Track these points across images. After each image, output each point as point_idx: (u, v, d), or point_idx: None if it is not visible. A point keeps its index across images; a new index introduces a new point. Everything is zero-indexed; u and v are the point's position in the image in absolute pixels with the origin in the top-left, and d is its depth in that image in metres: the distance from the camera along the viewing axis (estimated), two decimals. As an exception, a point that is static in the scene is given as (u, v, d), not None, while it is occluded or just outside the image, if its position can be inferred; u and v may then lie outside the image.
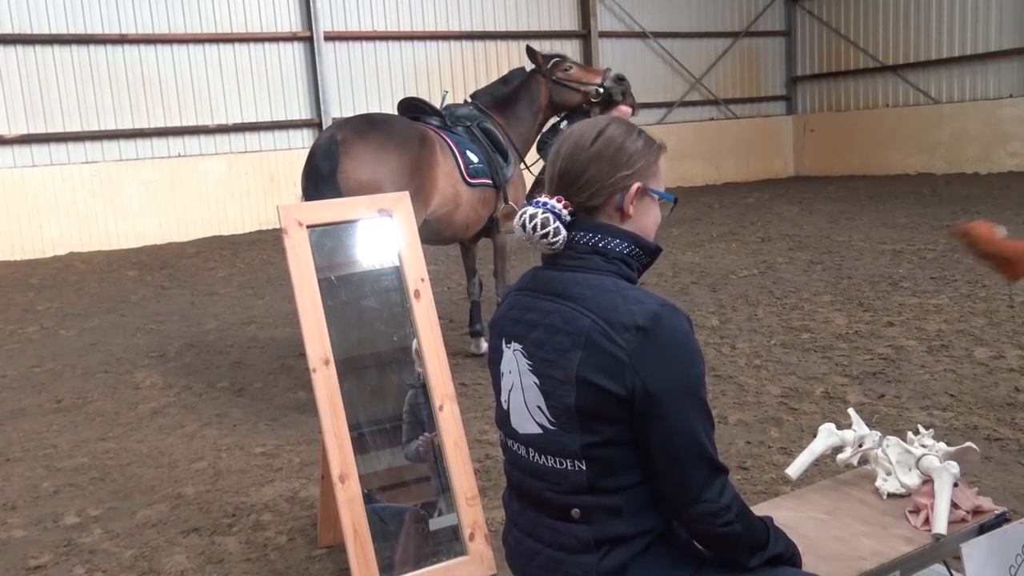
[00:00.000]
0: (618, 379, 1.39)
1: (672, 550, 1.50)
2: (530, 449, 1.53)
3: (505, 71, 5.59)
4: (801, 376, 4.70)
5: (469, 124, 4.96)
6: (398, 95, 7.51)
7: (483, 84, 5.85)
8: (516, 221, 1.55)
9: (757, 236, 9.99)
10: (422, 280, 2.83)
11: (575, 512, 1.47)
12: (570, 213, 1.52)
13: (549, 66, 5.51)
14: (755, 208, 12.83)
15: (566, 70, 5.59)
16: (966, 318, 5.59)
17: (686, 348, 1.42)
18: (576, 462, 1.46)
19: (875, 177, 16.09)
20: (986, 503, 1.84)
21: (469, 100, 5.32)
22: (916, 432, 2.01)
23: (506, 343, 1.58)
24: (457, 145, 4.74)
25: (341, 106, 13.18)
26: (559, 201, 1.52)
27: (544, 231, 1.50)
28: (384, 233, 2.83)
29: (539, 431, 1.50)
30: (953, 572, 1.83)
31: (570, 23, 15.77)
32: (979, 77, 15.37)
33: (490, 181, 4.85)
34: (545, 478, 1.51)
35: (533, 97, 5.39)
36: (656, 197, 1.56)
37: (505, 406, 1.59)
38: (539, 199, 1.55)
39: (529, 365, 1.51)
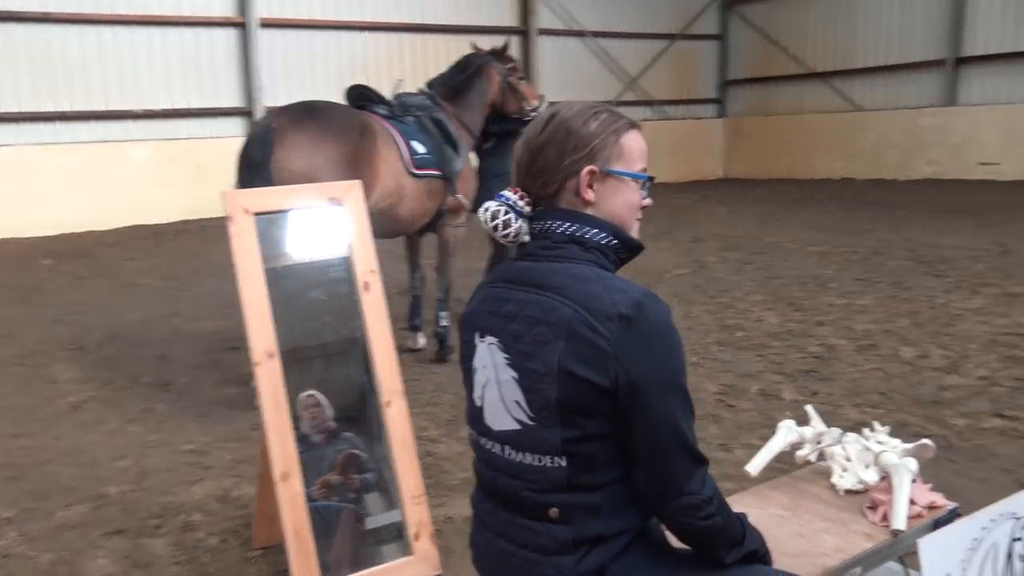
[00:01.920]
0: (601, 370, 1.35)
1: (650, 549, 1.46)
2: (506, 446, 1.47)
3: (444, 66, 5.51)
4: (737, 373, 4.75)
5: (420, 114, 4.86)
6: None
7: (421, 78, 5.77)
8: (479, 214, 1.54)
9: (689, 236, 10.13)
10: (372, 272, 2.74)
11: (553, 511, 1.42)
12: (532, 204, 1.50)
13: (508, 66, 5.53)
14: (686, 209, 13.02)
15: (520, 78, 5.65)
16: (891, 318, 5.75)
17: (668, 337, 1.38)
18: (556, 458, 1.41)
19: (801, 180, 16.53)
20: (939, 499, 1.86)
21: (425, 89, 5.23)
22: (872, 429, 2.03)
23: (480, 337, 1.51)
24: (403, 135, 4.63)
25: (275, 95, 12.86)
26: (515, 192, 1.50)
27: (495, 223, 1.49)
28: (334, 222, 2.72)
29: (517, 427, 1.44)
30: (908, 568, 1.85)
31: (510, 19, 15.74)
32: (901, 87, 15.93)
33: (438, 172, 4.75)
34: (522, 476, 1.45)
35: (484, 89, 5.36)
36: (623, 178, 1.50)
37: (479, 402, 1.53)
38: (501, 193, 1.53)
39: (506, 359, 1.45)
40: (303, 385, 2.65)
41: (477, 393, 1.53)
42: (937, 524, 1.80)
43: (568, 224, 1.47)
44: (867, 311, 6.00)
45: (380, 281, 2.76)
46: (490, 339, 1.49)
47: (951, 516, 1.83)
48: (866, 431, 2.01)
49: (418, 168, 4.62)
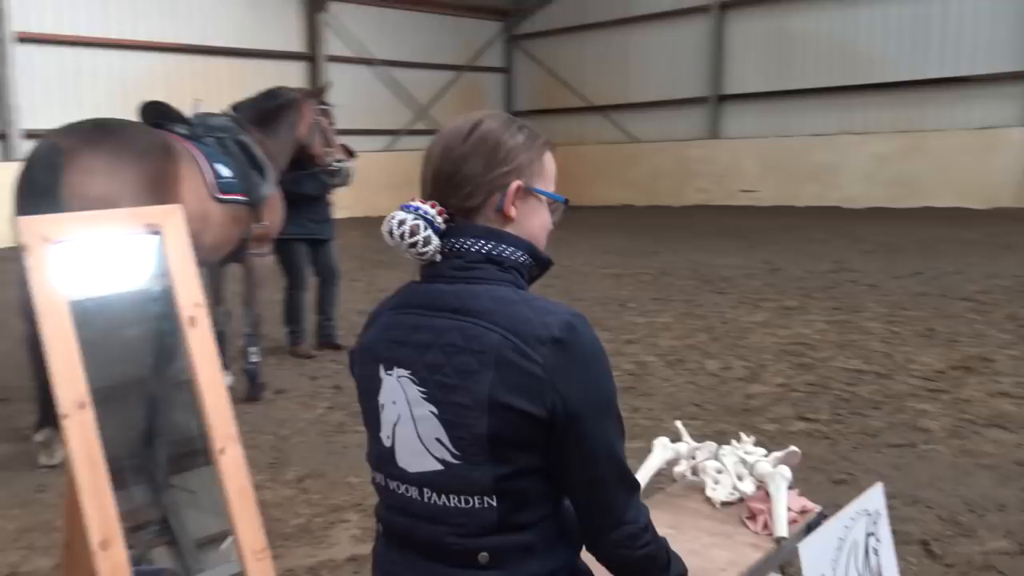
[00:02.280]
0: (536, 398, 1.24)
1: None
2: (426, 489, 1.32)
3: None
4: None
5: (222, 136, 4.51)
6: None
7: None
8: (384, 227, 1.35)
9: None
10: (198, 306, 2.46)
11: (483, 556, 1.29)
12: (446, 219, 1.36)
13: (322, 107, 5.37)
14: (484, 235, 13.23)
15: (330, 123, 5.49)
16: (691, 334, 6.10)
17: (602, 360, 1.31)
18: (486, 498, 1.28)
19: (585, 208, 17.36)
20: (808, 503, 1.93)
21: (229, 111, 4.87)
22: (739, 440, 2.08)
23: (386, 370, 1.35)
24: (207, 157, 4.28)
25: (34, 117, 11.61)
26: (433, 206, 1.35)
27: (413, 239, 1.31)
28: (151, 252, 2.42)
29: (439, 467, 1.30)
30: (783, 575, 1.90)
31: (298, 45, 15.32)
32: (671, 121, 17.24)
33: (244, 198, 4.43)
34: (446, 520, 1.30)
35: (294, 122, 5.13)
36: (543, 198, 1.42)
37: (388, 442, 1.36)
38: (410, 203, 1.37)
39: (422, 393, 1.31)
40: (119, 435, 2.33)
41: (385, 432, 1.36)
42: (810, 528, 1.86)
43: (484, 242, 1.34)
44: (668, 328, 6.32)
45: (207, 315, 2.49)
46: (399, 371, 1.33)
47: (819, 519, 1.90)
48: (733, 442, 2.06)
49: (223, 193, 4.29)
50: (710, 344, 5.79)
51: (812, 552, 1.70)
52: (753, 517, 1.86)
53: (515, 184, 1.36)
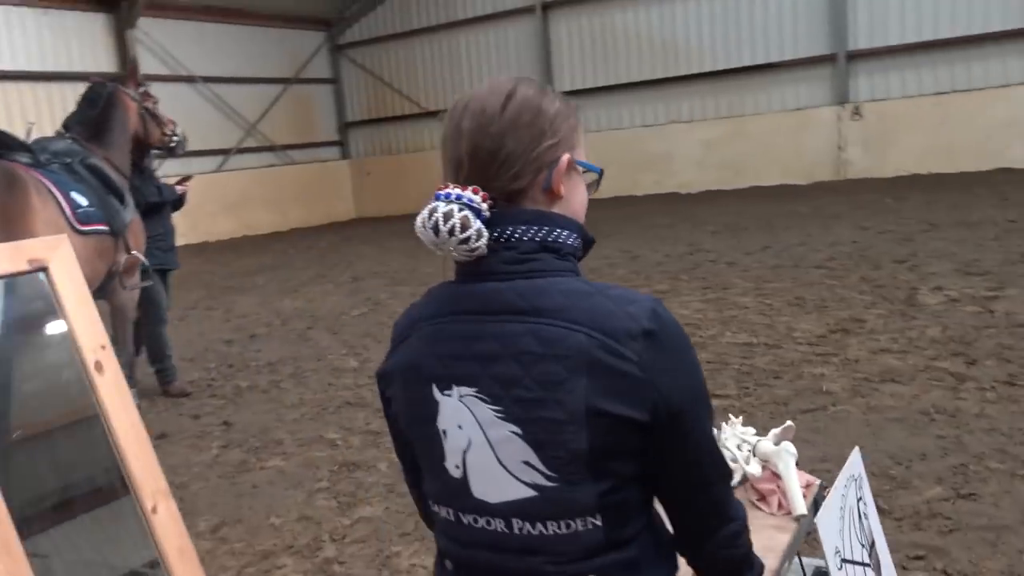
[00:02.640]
0: (636, 401, 1.10)
1: None
2: (515, 520, 1.15)
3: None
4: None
5: (69, 160, 4.00)
6: None
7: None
8: (422, 222, 1.14)
9: (348, 276, 9.96)
10: (103, 348, 2.16)
11: None
12: (490, 205, 1.16)
13: (141, 91, 4.83)
14: (333, 250, 12.83)
15: (155, 103, 4.98)
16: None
17: (690, 345, 1.17)
18: (589, 519, 1.13)
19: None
20: (809, 477, 1.91)
21: (62, 132, 4.33)
22: (727, 421, 2.04)
23: (442, 390, 1.17)
24: (58, 186, 3.79)
25: None
26: (476, 192, 1.15)
27: (465, 234, 1.12)
28: (39, 292, 2.09)
29: (532, 493, 1.13)
30: (801, 556, 1.86)
31: (108, 65, 14.20)
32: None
33: (105, 227, 3.97)
34: (544, 550, 1.15)
35: (123, 121, 4.61)
36: (582, 170, 1.24)
37: (457, 472, 1.18)
38: (446, 191, 1.15)
39: (497, 412, 1.13)
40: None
41: (453, 461, 1.18)
42: (816, 502, 1.84)
43: (537, 228, 1.16)
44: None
45: (115, 358, 2.19)
46: (462, 390, 1.15)
47: (822, 492, 1.89)
48: (724, 424, 2.01)
49: (83, 224, 3.83)
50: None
51: (827, 526, 1.68)
52: (764, 499, 1.82)
53: (566, 158, 1.20)
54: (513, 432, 1.13)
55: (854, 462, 1.90)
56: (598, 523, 1.14)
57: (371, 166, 18.90)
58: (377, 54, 18.56)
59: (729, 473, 1.23)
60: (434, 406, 1.19)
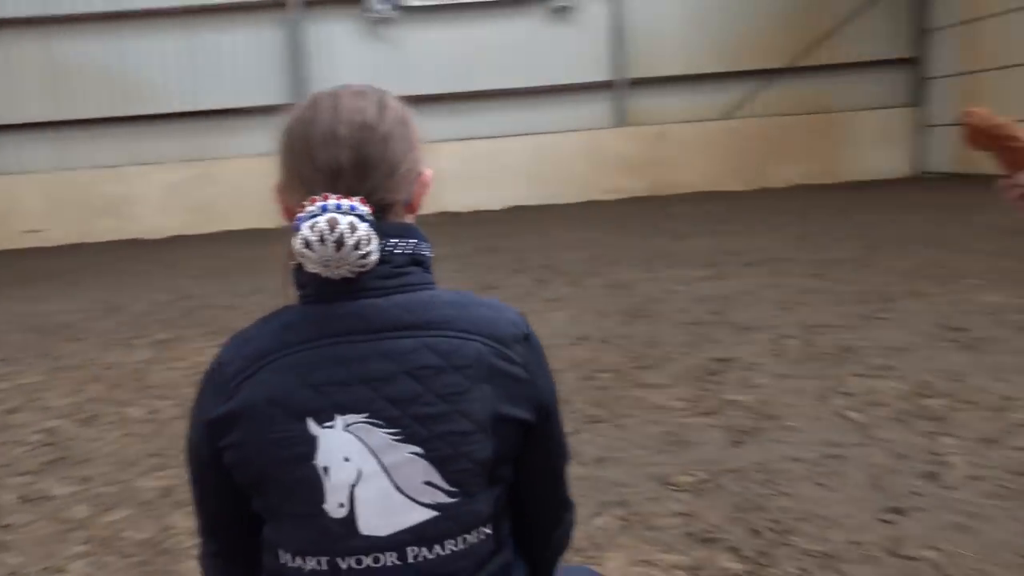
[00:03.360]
0: (525, 402, 1.14)
1: None
2: (410, 549, 1.08)
3: None
4: None
5: None
6: None
7: None
8: (319, 235, 1.04)
9: None
10: None
11: None
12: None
13: None
14: None
15: None
16: (80, 389, 5.44)
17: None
18: (483, 528, 1.13)
19: None
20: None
21: None
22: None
23: (321, 423, 1.07)
24: None
25: None
26: (363, 203, 1.08)
27: (368, 248, 1.06)
28: None
29: (432, 514, 1.08)
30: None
31: None
32: None
33: None
34: (439, 571, 1.10)
35: None
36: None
37: (340, 512, 1.07)
38: (335, 201, 1.06)
39: (393, 435, 1.07)
40: None
41: (336, 500, 1.07)
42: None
43: (408, 241, 1.14)
44: (49, 387, 5.51)
45: None
46: (349, 418, 1.07)
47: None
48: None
49: None
50: (115, 392, 5.27)
51: None
52: None
53: (429, 172, 1.20)
54: (414, 453, 1.09)
55: None
56: (489, 531, 1.16)
57: None
58: None
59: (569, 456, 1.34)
60: (310, 442, 1.08)
